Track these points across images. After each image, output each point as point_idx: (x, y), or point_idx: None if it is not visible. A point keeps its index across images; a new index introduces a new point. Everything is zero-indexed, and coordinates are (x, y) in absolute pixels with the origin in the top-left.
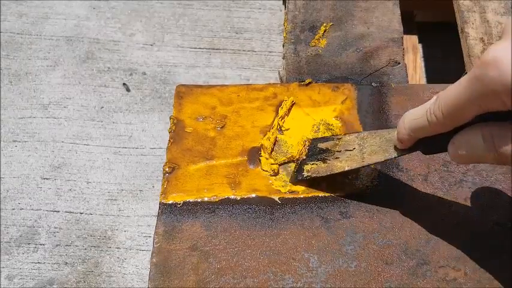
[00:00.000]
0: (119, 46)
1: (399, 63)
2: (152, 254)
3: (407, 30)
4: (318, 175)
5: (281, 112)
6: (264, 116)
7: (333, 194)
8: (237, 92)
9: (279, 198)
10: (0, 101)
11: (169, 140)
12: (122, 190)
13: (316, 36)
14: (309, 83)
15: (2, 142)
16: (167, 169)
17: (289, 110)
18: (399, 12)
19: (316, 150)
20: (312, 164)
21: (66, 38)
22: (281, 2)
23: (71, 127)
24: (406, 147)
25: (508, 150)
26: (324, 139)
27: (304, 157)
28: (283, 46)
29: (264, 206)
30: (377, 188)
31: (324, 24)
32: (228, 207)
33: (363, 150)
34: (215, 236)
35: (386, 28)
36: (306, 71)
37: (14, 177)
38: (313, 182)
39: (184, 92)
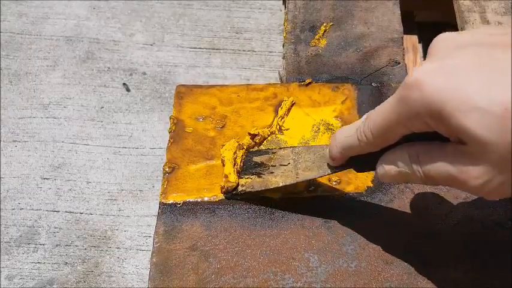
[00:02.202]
0: (119, 46)
1: (399, 63)
2: (152, 253)
3: (407, 30)
4: (252, 190)
5: (280, 112)
6: (264, 116)
7: (333, 193)
8: (237, 92)
9: (279, 199)
10: (0, 101)
11: (169, 140)
12: (122, 190)
13: (316, 36)
14: (309, 83)
15: (2, 142)
16: (167, 169)
17: (289, 110)
18: (399, 12)
19: (251, 163)
20: (247, 178)
21: (66, 38)
22: (281, 2)
23: (71, 127)
24: (338, 165)
25: (432, 171)
26: (259, 152)
27: (239, 171)
28: (283, 46)
29: (264, 206)
30: (377, 187)
31: (324, 24)
32: (228, 207)
33: (297, 166)
34: (215, 236)
35: (386, 28)
36: (306, 71)
37: (14, 177)
38: (248, 197)
39: (184, 92)
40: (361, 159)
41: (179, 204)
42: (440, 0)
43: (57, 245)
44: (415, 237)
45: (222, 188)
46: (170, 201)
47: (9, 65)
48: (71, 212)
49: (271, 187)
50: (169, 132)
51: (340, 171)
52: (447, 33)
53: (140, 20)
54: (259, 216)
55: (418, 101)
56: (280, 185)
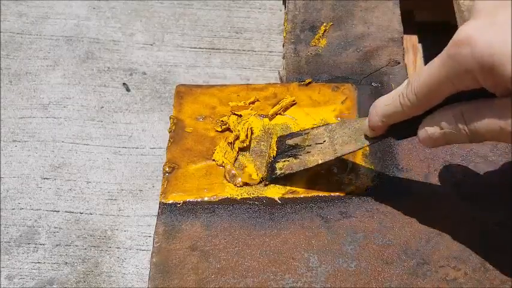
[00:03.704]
0: (119, 46)
1: (399, 63)
2: (152, 253)
3: (407, 30)
4: (291, 171)
5: (276, 107)
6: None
7: (333, 193)
8: (237, 92)
9: (279, 198)
10: (0, 101)
11: (169, 140)
12: (122, 190)
13: (316, 36)
14: (309, 82)
15: (2, 142)
16: (167, 169)
17: (287, 108)
18: (399, 12)
19: (285, 147)
20: (284, 161)
21: (66, 38)
22: (281, 2)
23: (71, 127)
24: (378, 135)
25: (479, 127)
26: (292, 135)
27: (274, 156)
28: (283, 46)
29: (264, 206)
30: (377, 187)
31: (324, 24)
32: (228, 207)
33: (334, 142)
34: (215, 236)
35: (386, 28)
36: (306, 71)
37: (14, 177)
38: (289, 180)
39: (184, 92)
40: (401, 126)
41: (179, 204)
42: (440, 0)
43: (57, 245)
44: (415, 237)
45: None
46: (170, 201)
47: (9, 65)
48: (70, 212)
49: (310, 166)
50: (169, 132)
51: (378, 141)
52: None
53: (140, 20)
54: (259, 216)
55: (469, 56)
56: (320, 162)
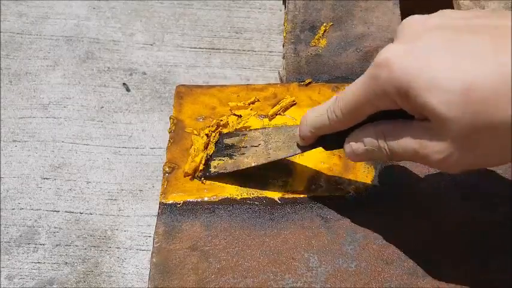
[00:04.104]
0: (119, 46)
1: None
2: (152, 254)
3: None
4: (225, 171)
5: (276, 107)
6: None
7: (332, 193)
8: (237, 92)
9: (279, 198)
10: (0, 101)
11: (169, 140)
12: (122, 190)
13: (316, 36)
14: (309, 83)
15: (2, 142)
16: (167, 169)
17: (286, 108)
18: (399, 12)
19: (222, 146)
20: (219, 160)
21: (66, 38)
22: (281, 2)
23: (71, 127)
24: (308, 144)
25: (397, 147)
26: (230, 135)
27: (211, 154)
28: (283, 46)
29: (264, 206)
30: (377, 188)
31: (324, 24)
32: (228, 207)
33: (268, 146)
34: (215, 236)
35: (386, 28)
36: (306, 71)
37: (14, 177)
38: (222, 179)
39: (184, 92)
40: (329, 138)
41: (179, 204)
42: (440, 0)
43: (57, 245)
44: (415, 237)
45: (185, 172)
46: (170, 201)
47: (9, 65)
48: (71, 212)
49: (243, 167)
50: (169, 133)
51: (309, 150)
52: (416, 16)
53: (140, 20)
54: (259, 216)
55: (387, 79)
56: (252, 165)
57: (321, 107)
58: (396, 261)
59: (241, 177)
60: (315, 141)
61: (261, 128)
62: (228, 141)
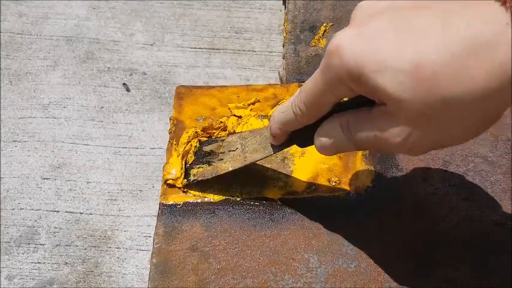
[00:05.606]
0: (119, 46)
1: None
2: (152, 254)
3: None
4: (204, 178)
5: (275, 109)
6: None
7: (332, 194)
8: (237, 93)
9: (279, 199)
10: (0, 101)
11: (169, 141)
12: (122, 190)
13: (316, 36)
14: None
15: (2, 142)
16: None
17: None
18: None
19: (201, 153)
20: (198, 168)
21: (66, 38)
22: (281, 2)
23: (71, 127)
24: (280, 143)
25: (360, 136)
26: (209, 142)
27: (190, 162)
28: (283, 46)
29: (264, 207)
30: (377, 188)
31: (324, 24)
32: (228, 208)
33: (245, 150)
34: (215, 237)
35: None
36: (306, 71)
37: (14, 177)
38: (203, 186)
39: (184, 93)
40: (301, 134)
41: (179, 205)
42: None
43: (57, 245)
44: (415, 237)
45: (166, 180)
46: (170, 202)
47: (9, 65)
48: (71, 212)
49: (221, 173)
50: (170, 133)
51: (284, 148)
52: (366, 1)
53: (140, 20)
54: (259, 217)
55: (339, 66)
56: (230, 169)
57: (287, 102)
58: (396, 261)
59: (224, 184)
60: (286, 139)
61: (238, 133)
62: (207, 148)
